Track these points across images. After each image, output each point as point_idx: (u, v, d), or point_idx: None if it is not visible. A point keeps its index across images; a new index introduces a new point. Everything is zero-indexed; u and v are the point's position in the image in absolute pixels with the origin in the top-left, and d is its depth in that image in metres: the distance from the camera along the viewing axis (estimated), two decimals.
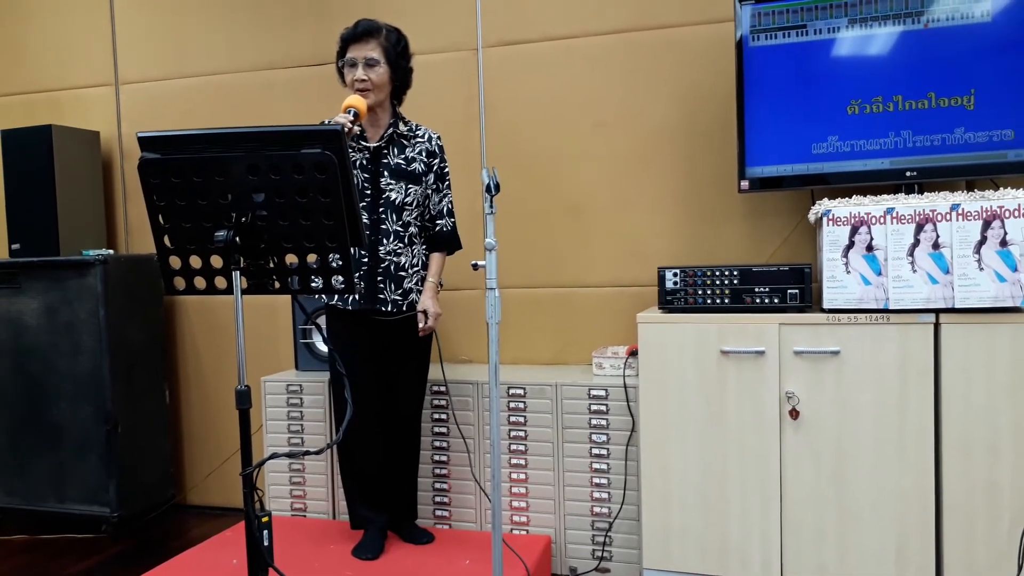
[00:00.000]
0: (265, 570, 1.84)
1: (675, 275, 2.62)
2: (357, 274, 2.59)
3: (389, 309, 2.63)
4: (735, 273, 2.57)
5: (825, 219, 2.43)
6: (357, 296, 2.61)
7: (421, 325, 2.65)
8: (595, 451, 2.81)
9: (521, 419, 2.88)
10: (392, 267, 2.62)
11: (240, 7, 3.60)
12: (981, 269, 2.29)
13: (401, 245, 2.63)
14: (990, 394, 2.29)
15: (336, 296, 2.61)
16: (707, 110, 3.04)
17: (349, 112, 2.41)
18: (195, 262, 1.91)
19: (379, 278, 2.61)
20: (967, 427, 2.31)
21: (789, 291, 2.52)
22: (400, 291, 2.64)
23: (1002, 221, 2.27)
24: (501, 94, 3.27)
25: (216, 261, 1.89)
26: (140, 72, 3.78)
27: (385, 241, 2.61)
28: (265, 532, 1.82)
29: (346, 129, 2.36)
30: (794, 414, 2.45)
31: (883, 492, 2.39)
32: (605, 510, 2.81)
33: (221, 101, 3.66)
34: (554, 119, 3.22)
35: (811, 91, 2.68)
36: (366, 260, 2.60)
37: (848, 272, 2.40)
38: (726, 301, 2.58)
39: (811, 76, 2.68)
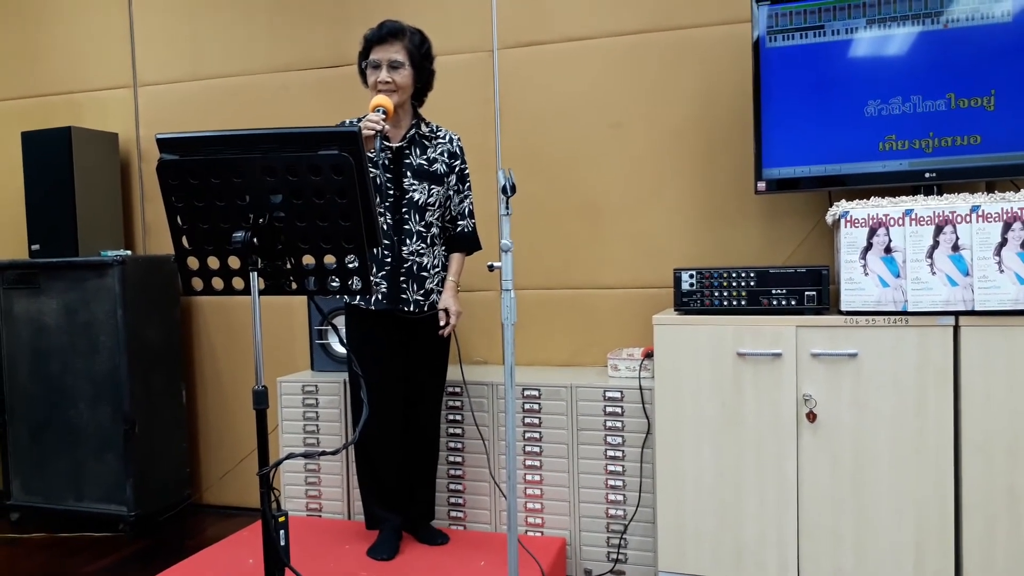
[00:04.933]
0: (281, 570, 1.85)
1: (691, 277, 2.61)
2: (380, 274, 2.60)
3: (412, 309, 2.63)
4: (752, 275, 2.55)
5: (843, 221, 2.41)
6: (380, 296, 2.61)
7: (442, 324, 2.66)
8: (610, 453, 2.80)
9: (536, 420, 2.88)
10: (415, 267, 2.63)
11: (257, 9, 3.62)
12: (1001, 271, 2.27)
13: (424, 245, 2.63)
14: (1010, 397, 2.27)
15: (358, 296, 2.62)
16: (724, 111, 3.02)
17: (378, 111, 2.43)
18: (213, 263, 1.92)
19: (402, 278, 2.62)
20: (987, 430, 2.29)
21: (806, 293, 2.51)
22: (422, 291, 2.64)
23: (1023, 223, 2.25)
24: (517, 95, 3.28)
25: (233, 262, 1.90)
26: (158, 74, 3.80)
27: (408, 241, 2.61)
28: (282, 532, 1.83)
29: (379, 128, 2.39)
30: (811, 417, 2.44)
31: (901, 496, 2.37)
32: (620, 512, 2.80)
33: (238, 103, 3.68)
34: (570, 120, 3.21)
35: (829, 92, 2.67)
36: (389, 260, 2.61)
37: (866, 274, 2.39)
38: (743, 303, 2.56)
39: (829, 77, 2.66)
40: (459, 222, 2.73)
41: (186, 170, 1.83)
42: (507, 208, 2.12)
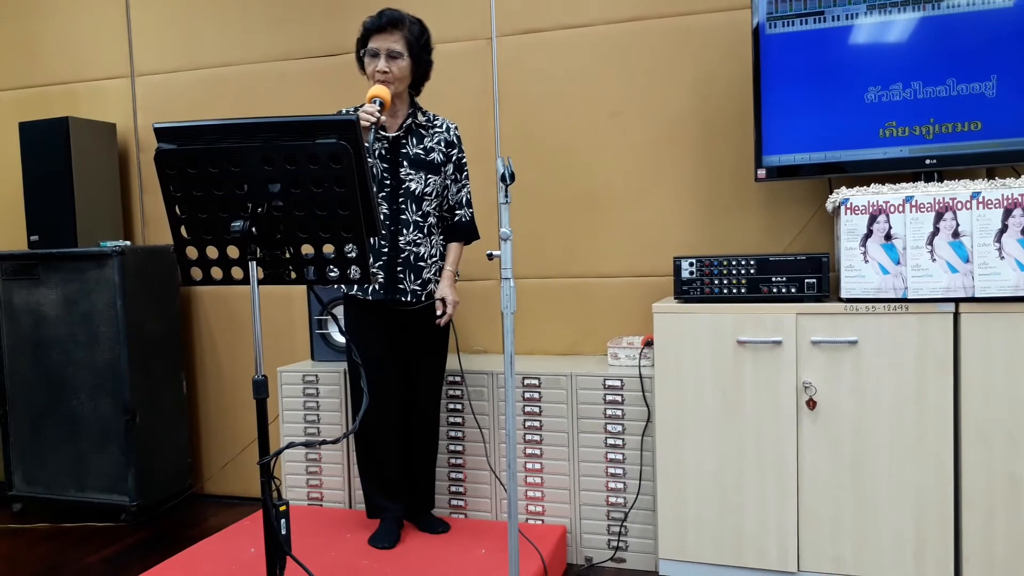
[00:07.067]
0: (283, 559, 1.85)
1: (691, 265, 2.61)
2: (377, 264, 2.60)
3: (409, 299, 2.63)
4: (752, 262, 2.55)
5: (843, 208, 2.41)
6: (376, 286, 2.61)
7: (439, 313, 2.66)
8: (610, 441, 2.80)
9: (536, 409, 2.88)
10: (412, 257, 2.62)
11: None
12: (1002, 258, 2.27)
13: (421, 235, 2.63)
14: (1010, 384, 2.27)
15: (356, 286, 2.62)
16: (724, 98, 3.01)
17: (375, 102, 2.41)
18: (212, 252, 1.92)
19: (399, 268, 2.61)
20: (987, 418, 2.29)
21: (806, 280, 2.50)
22: (419, 281, 2.64)
23: (1023, 209, 2.24)
24: (516, 83, 3.26)
25: (232, 251, 1.89)
26: (155, 64, 3.79)
27: (405, 231, 2.61)
28: (283, 521, 1.83)
29: (374, 120, 2.37)
30: (811, 404, 2.44)
31: (901, 483, 2.37)
32: (620, 500, 2.81)
33: (236, 92, 3.66)
34: (569, 108, 3.20)
35: (829, 78, 2.66)
36: (386, 250, 2.61)
37: (866, 261, 2.38)
38: (743, 291, 2.56)
39: (829, 63, 2.65)
40: (457, 211, 2.73)
41: (184, 159, 1.82)
42: (506, 196, 2.11)
